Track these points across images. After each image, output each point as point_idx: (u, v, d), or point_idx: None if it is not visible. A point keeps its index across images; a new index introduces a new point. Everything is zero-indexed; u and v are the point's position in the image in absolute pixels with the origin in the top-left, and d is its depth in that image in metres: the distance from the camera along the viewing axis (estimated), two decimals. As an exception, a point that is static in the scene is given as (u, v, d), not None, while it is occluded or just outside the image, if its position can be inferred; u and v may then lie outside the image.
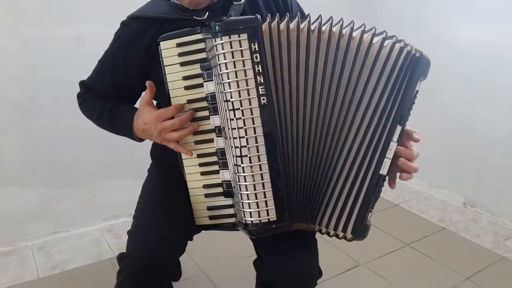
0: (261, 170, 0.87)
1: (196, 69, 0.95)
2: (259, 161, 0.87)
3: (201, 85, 0.95)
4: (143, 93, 1.00)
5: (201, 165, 0.99)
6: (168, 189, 1.09)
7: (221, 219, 1.00)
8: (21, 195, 1.86)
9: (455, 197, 2.33)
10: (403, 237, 1.99)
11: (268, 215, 0.88)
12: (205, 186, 1.00)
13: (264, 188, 0.88)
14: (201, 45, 0.93)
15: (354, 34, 0.88)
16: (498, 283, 1.70)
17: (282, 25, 0.87)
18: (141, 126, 0.99)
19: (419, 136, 0.94)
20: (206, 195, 1.00)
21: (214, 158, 0.98)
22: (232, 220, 0.99)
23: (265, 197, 0.88)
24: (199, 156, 0.99)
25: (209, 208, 1.01)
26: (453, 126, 2.29)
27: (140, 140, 1.06)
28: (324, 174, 0.92)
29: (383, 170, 0.91)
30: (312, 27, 0.88)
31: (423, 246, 1.93)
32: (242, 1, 1.05)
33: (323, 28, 0.88)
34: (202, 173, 1.00)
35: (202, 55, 0.94)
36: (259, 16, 0.85)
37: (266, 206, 0.88)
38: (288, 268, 1.01)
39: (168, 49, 0.96)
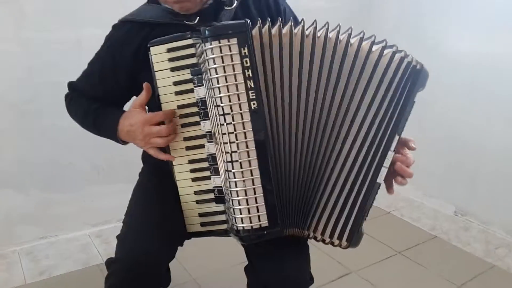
0: (252, 175, 0.86)
1: (186, 74, 0.94)
2: (250, 166, 0.86)
3: (192, 90, 0.94)
4: (140, 95, 0.98)
5: (192, 171, 0.98)
6: (159, 193, 1.07)
7: (213, 225, 0.99)
8: (14, 199, 1.84)
9: (447, 205, 2.33)
10: (395, 245, 1.99)
11: (259, 221, 0.87)
12: (197, 192, 0.99)
13: (255, 194, 0.87)
14: (191, 50, 0.93)
15: (352, 40, 0.89)
16: (490, 291, 1.70)
17: (274, 30, 0.87)
18: (127, 128, 0.98)
19: (415, 144, 0.95)
20: (198, 202, 0.99)
21: (205, 164, 0.97)
22: (224, 226, 0.98)
23: (256, 203, 0.87)
24: (190, 162, 0.98)
25: (201, 215, 1.00)
26: (447, 136, 2.30)
27: (124, 142, 1.04)
28: (318, 181, 0.92)
29: (380, 179, 0.91)
30: (307, 32, 0.87)
31: (415, 254, 1.93)
32: (233, 6, 1.05)
33: (318, 34, 0.88)
34: (194, 179, 0.99)
35: (193, 60, 0.93)
36: (248, 21, 0.84)
37: (258, 212, 0.87)
38: (280, 274, 1.00)
39: (159, 54, 0.95)
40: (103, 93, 1.09)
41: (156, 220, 1.00)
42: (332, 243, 0.94)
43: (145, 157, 1.23)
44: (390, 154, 0.90)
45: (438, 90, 2.30)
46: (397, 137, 0.90)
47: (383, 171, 0.91)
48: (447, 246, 2.02)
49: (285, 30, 0.87)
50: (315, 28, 0.88)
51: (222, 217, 0.98)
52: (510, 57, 1.99)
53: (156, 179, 1.12)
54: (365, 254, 1.90)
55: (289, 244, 1.04)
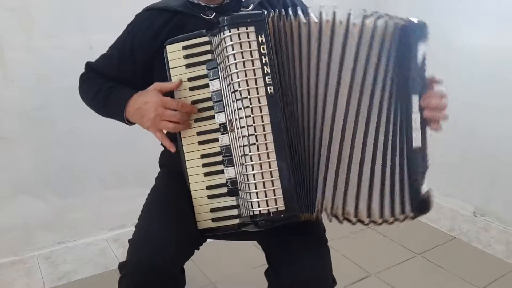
0: (268, 158, 0.87)
1: (201, 70, 0.97)
2: (267, 149, 0.87)
3: (206, 86, 0.97)
4: (166, 82, 0.99)
5: (204, 165, 0.99)
6: (173, 196, 1.07)
7: (224, 220, 0.99)
8: (32, 205, 1.85)
9: (465, 206, 2.30)
10: (414, 247, 1.96)
11: (276, 204, 0.87)
12: (208, 187, 0.99)
13: (272, 177, 0.87)
14: (206, 47, 0.96)
15: (356, 21, 0.91)
16: (513, 293, 1.66)
17: (288, 20, 0.90)
18: (139, 104, 0.99)
19: (438, 77, 0.94)
20: (209, 197, 0.99)
21: (218, 158, 0.98)
22: (236, 221, 0.97)
23: (273, 186, 0.87)
24: (202, 156, 0.99)
25: (212, 210, 0.99)
26: (465, 133, 2.27)
27: (128, 122, 1.06)
28: (339, 161, 0.92)
29: (416, 143, 0.91)
30: (316, 20, 0.90)
31: (435, 256, 1.90)
32: (249, 8, 1.08)
33: (325, 19, 0.91)
34: (206, 174, 0.99)
35: (208, 57, 0.96)
36: (265, 11, 0.89)
37: (274, 195, 0.87)
38: (302, 277, 0.99)
39: (174, 52, 0.98)
40: (119, 74, 1.12)
41: (168, 223, 0.99)
42: (397, 219, 0.93)
43: (163, 161, 1.23)
44: (416, 116, 0.90)
45: (456, 87, 2.27)
46: (415, 97, 0.90)
47: (416, 135, 0.91)
48: (467, 248, 1.98)
49: (295, 19, 0.90)
50: (321, 14, 0.91)
51: (234, 212, 0.98)
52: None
53: (172, 184, 1.11)
54: (384, 257, 1.88)
55: (310, 246, 1.03)
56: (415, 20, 0.93)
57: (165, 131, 1.01)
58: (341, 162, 0.92)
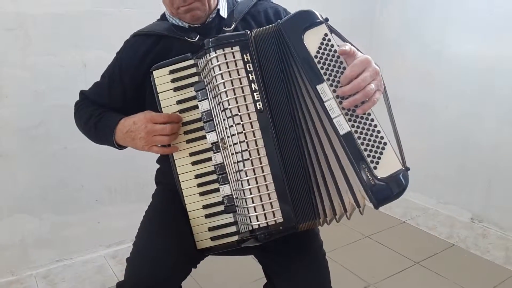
0: (263, 172, 0.89)
1: (189, 92, 1.00)
2: (261, 163, 0.89)
3: (194, 107, 0.99)
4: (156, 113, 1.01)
5: (199, 185, 1.01)
6: (170, 214, 1.07)
7: (223, 238, 1.00)
8: (28, 223, 1.84)
9: (463, 212, 2.30)
10: (412, 255, 1.96)
11: (274, 217, 0.88)
12: (205, 207, 1.00)
13: (268, 190, 0.89)
14: (192, 70, 0.99)
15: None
16: (512, 299, 1.66)
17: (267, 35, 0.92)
18: (128, 127, 1.01)
19: (348, 46, 0.89)
20: (207, 216, 1.00)
21: (212, 177, 0.99)
22: (235, 238, 0.98)
23: (269, 199, 0.88)
24: (196, 176, 1.01)
25: (210, 229, 1.00)
26: (458, 141, 2.29)
27: (119, 146, 1.07)
28: (313, 166, 0.92)
29: (342, 129, 0.88)
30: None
31: (433, 264, 1.90)
32: (231, 28, 1.10)
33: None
34: (201, 194, 1.01)
35: (194, 79, 0.99)
36: (248, 31, 0.92)
37: (272, 207, 0.89)
38: None
39: (161, 77, 1.01)
40: (110, 101, 1.14)
41: (165, 242, 0.99)
42: (357, 207, 0.90)
43: (159, 178, 1.23)
44: (331, 103, 0.88)
45: (448, 96, 2.29)
46: (322, 85, 0.88)
47: (340, 121, 0.88)
48: (466, 254, 1.98)
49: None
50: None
51: (232, 229, 0.99)
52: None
53: (168, 201, 1.12)
54: (383, 266, 1.88)
55: (308, 259, 1.03)
56: (286, 18, 0.93)
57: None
58: (321, 166, 0.92)
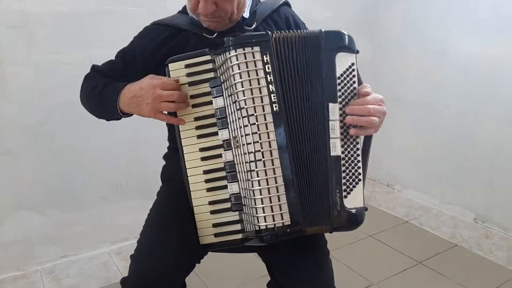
0: (275, 174, 0.89)
1: (203, 88, 0.99)
2: (273, 165, 0.89)
3: (208, 103, 0.98)
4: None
5: (207, 181, 1.00)
6: (174, 211, 1.08)
7: (227, 236, 1.00)
8: (34, 220, 1.86)
9: (466, 212, 2.31)
10: (415, 255, 1.97)
11: (282, 219, 0.89)
12: (211, 203, 1.00)
13: (278, 192, 0.89)
14: (209, 66, 0.98)
15: (306, 37, 0.95)
16: (515, 300, 1.67)
17: (289, 39, 0.93)
18: (134, 91, 0.97)
19: (369, 88, 0.95)
20: (212, 212, 1.00)
21: (221, 174, 0.99)
22: (239, 236, 0.98)
23: (279, 201, 0.89)
24: (205, 172, 1.00)
25: (215, 225, 1.00)
26: (460, 140, 2.29)
27: (123, 114, 1.04)
28: (318, 173, 0.94)
29: (335, 151, 0.92)
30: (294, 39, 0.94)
31: (436, 263, 1.91)
32: (252, 28, 1.11)
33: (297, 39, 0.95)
34: (208, 189, 1.00)
35: (210, 75, 0.98)
36: (269, 32, 0.92)
37: (280, 210, 0.89)
38: None
39: (176, 70, 1.00)
40: (122, 78, 1.10)
41: (169, 239, 1.00)
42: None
43: (165, 175, 1.24)
44: (334, 124, 0.92)
45: (451, 95, 2.30)
46: (333, 105, 0.92)
47: (334, 143, 0.92)
48: (468, 255, 1.99)
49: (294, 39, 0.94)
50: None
51: (237, 227, 0.99)
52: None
53: (173, 198, 1.12)
54: (386, 265, 1.88)
55: (312, 258, 1.04)
56: (329, 30, 0.95)
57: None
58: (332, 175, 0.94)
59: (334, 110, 0.92)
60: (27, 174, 1.82)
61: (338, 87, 0.93)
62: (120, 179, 2.02)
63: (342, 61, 0.93)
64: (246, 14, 1.13)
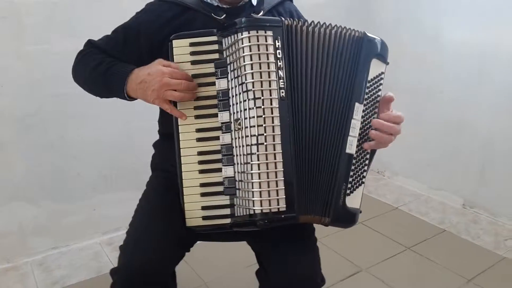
0: (275, 159, 0.89)
1: (206, 68, 0.97)
2: (274, 150, 0.89)
3: (209, 84, 0.97)
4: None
5: (200, 162, 0.98)
6: (163, 201, 1.07)
7: (215, 219, 0.98)
8: (25, 211, 1.85)
9: (455, 198, 2.33)
10: (404, 241, 1.99)
11: (278, 204, 0.89)
12: (202, 185, 0.98)
13: (276, 177, 0.89)
14: (214, 47, 0.97)
15: (332, 32, 0.97)
16: (501, 284, 1.70)
17: (300, 28, 0.95)
18: (142, 77, 0.95)
19: (392, 94, 0.98)
20: (202, 194, 0.99)
21: (216, 156, 0.98)
22: (227, 221, 0.97)
23: (276, 186, 0.89)
24: (199, 153, 0.99)
25: (204, 208, 0.99)
26: (451, 127, 2.31)
27: (130, 97, 1.01)
28: (327, 164, 0.96)
29: (350, 149, 0.95)
30: (310, 30, 0.96)
31: (425, 249, 1.93)
32: (260, 15, 1.11)
33: (316, 30, 0.96)
34: (201, 171, 0.99)
35: (214, 56, 0.97)
36: (283, 18, 0.93)
37: (277, 195, 0.89)
38: (291, 278, 1.01)
39: (180, 47, 0.98)
40: (122, 55, 1.07)
41: (158, 229, 1.00)
42: (320, 221, 0.98)
43: (154, 163, 1.23)
44: (355, 123, 0.95)
45: (444, 81, 2.31)
46: (359, 106, 0.95)
47: (351, 141, 0.95)
48: (457, 240, 2.02)
49: (305, 28, 0.95)
50: (314, 26, 0.97)
51: (226, 211, 0.98)
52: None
53: (162, 188, 1.12)
54: (375, 251, 1.91)
55: (300, 246, 1.05)
56: (373, 36, 0.98)
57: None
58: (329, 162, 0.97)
59: (358, 110, 0.95)
60: (18, 165, 1.80)
61: (366, 90, 0.96)
62: (112, 169, 2.01)
63: (375, 66, 0.97)
64: (254, 1, 1.12)
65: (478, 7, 2.11)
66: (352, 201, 0.97)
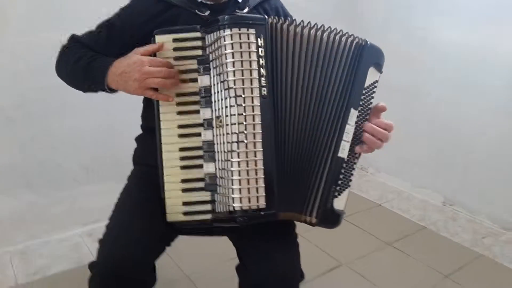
0: (255, 157, 0.90)
1: (189, 65, 0.97)
2: (255, 148, 0.90)
3: (192, 80, 0.97)
4: (148, 45, 0.97)
5: (182, 158, 0.99)
6: (144, 196, 1.07)
7: (196, 215, 0.99)
8: (5, 201, 1.82)
9: (436, 196, 2.37)
10: (385, 237, 2.02)
11: (258, 202, 0.89)
12: (184, 181, 0.99)
13: (256, 175, 0.90)
14: (197, 43, 0.96)
15: (324, 35, 0.98)
16: (477, 281, 1.74)
17: (284, 27, 0.95)
18: (122, 68, 0.94)
19: (384, 104, 1.01)
20: (184, 190, 0.99)
21: (197, 152, 0.98)
22: (208, 216, 0.98)
23: (256, 184, 0.89)
24: (181, 149, 0.99)
25: (185, 204, 0.99)
26: (437, 127, 2.34)
27: (110, 90, 1.00)
28: (309, 164, 0.98)
29: (342, 153, 0.97)
30: (297, 30, 0.96)
31: (404, 245, 1.97)
32: (245, 11, 1.11)
33: (305, 31, 0.97)
34: (183, 167, 0.99)
35: (197, 53, 0.97)
36: (266, 16, 0.93)
37: (257, 192, 0.89)
38: (270, 273, 1.01)
39: (163, 43, 0.97)
40: (105, 50, 1.06)
41: (138, 223, 0.99)
42: (305, 221, 1.00)
43: (136, 158, 1.22)
44: (350, 129, 0.97)
45: (430, 81, 2.33)
46: (354, 112, 0.97)
47: (345, 146, 0.97)
48: (436, 237, 2.06)
49: (291, 28, 0.96)
50: (302, 26, 0.97)
51: (207, 207, 0.98)
52: (499, 48, 2.02)
53: (143, 182, 1.11)
54: (355, 246, 1.93)
55: (280, 242, 1.06)
56: (374, 45, 1.00)
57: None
58: (314, 163, 0.98)
59: (353, 116, 0.97)
60: (0, 157, 1.77)
61: (362, 97, 0.98)
62: (93, 161, 1.99)
63: (371, 73, 0.99)
64: None
65: (467, 8, 2.12)
66: (339, 203, 0.99)
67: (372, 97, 1.00)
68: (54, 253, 1.85)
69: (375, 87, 1.00)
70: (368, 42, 0.99)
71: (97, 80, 1.00)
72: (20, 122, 1.79)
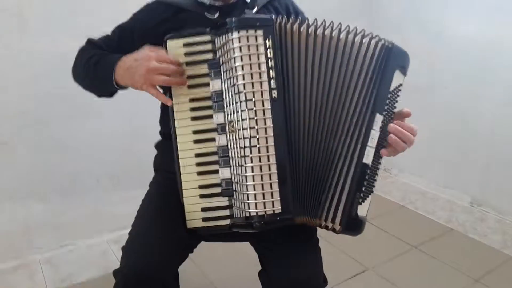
0: (269, 161, 0.88)
1: (201, 69, 0.97)
2: (268, 152, 0.88)
3: (204, 85, 0.96)
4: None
5: (198, 164, 0.99)
6: (166, 202, 1.07)
7: (215, 221, 0.98)
8: (33, 208, 1.87)
9: (462, 196, 2.32)
10: (410, 239, 1.98)
11: (273, 206, 0.88)
12: (201, 187, 0.99)
13: (270, 179, 0.88)
14: (208, 47, 0.96)
15: (341, 35, 0.94)
16: (509, 284, 1.68)
17: (294, 27, 0.92)
18: (129, 63, 0.94)
19: (409, 109, 0.98)
20: (201, 196, 0.99)
21: (213, 158, 0.97)
22: (227, 222, 0.97)
23: (271, 188, 0.88)
24: (197, 155, 0.99)
25: (203, 210, 0.99)
26: (457, 123, 2.29)
27: (118, 86, 1.00)
28: (325, 167, 0.95)
29: (367, 159, 0.94)
30: (310, 31, 0.93)
31: (431, 248, 1.92)
32: (254, 11, 1.10)
33: (319, 31, 0.93)
34: (199, 173, 0.99)
35: (208, 56, 0.96)
36: (274, 16, 0.91)
37: (272, 197, 0.88)
38: (294, 279, 1.01)
39: (175, 48, 0.98)
40: (116, 52, 1.06)
41: (160, 231, 1.00)
42: (326, 227, 0.97)
43: (156, 164, 1.24)
44: (375, 134, 0.94)
45: (448, 77, 2.29)
46: (379, 117, 0.94)
47: (369, 151, 0.94)
48: (464, 239, 2.00)
49: (302, 28, 0.93)
50: (316, 26, 0.94)
51: (226, 212, 0.98)
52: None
53: (164, 189, 1.12)
54: (381, 250, 1.90)
55: (302, 248, 1.05)
56: (399, 47, 0.97)
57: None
58: (330, 168, 0.96)
59: (378, 121, 0.94)
60: (24, 162, 1.82)
61: (386, 101, 0.95)
62: (119, 167, 2.02)
63: (396, 77, 0.96)
64: None
65: (482, 3, 2.08)
66: (362, 209, 0.96)
67: (396, 101, 0.97)
68: (81, 260, 1.88)
69: (399, 90, 0.97)
70: (395, 45, 0.96)
71: (105, 75, 1.00)
72: (42, 125, 1.80)
